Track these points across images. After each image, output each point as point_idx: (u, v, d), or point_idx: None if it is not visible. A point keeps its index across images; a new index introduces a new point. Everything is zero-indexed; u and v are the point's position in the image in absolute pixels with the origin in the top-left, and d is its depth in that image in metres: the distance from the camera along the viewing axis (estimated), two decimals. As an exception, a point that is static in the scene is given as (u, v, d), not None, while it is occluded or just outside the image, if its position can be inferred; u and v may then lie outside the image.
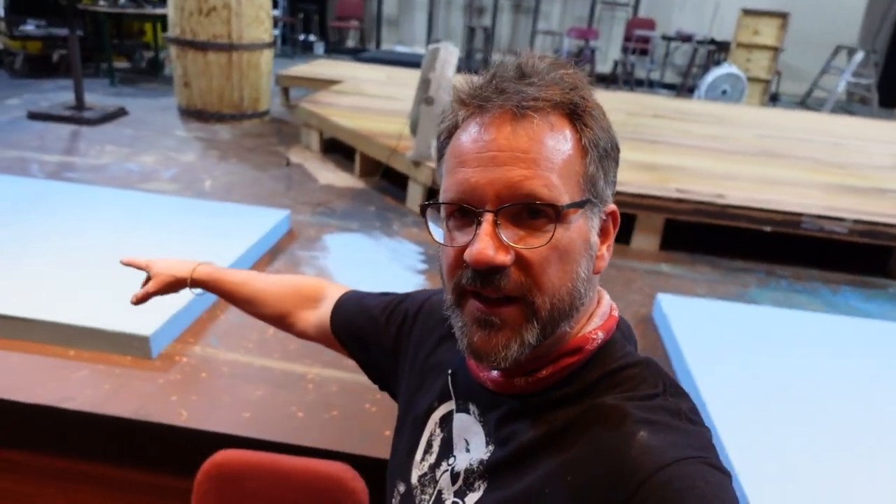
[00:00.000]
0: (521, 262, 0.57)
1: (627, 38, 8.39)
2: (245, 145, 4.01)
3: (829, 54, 8.19)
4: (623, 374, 0.61)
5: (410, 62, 7.37)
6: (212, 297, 1.98)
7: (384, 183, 3.42)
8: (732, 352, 1.88)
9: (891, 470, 1.44)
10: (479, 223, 0.57)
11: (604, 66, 8.65)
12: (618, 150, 0.64)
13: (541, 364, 0.63)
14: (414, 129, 3.07)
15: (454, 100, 0.62)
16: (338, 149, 3.88)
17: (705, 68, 7.77)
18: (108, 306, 1.83)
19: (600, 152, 0.60)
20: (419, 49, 9.43)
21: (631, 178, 3.01)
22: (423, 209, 0.64)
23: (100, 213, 2.49)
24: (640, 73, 8.40)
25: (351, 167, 3.63)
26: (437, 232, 0.64)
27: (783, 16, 7.47)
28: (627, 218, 2.90)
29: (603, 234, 0.64)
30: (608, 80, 8.22)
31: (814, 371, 1.81)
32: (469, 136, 0.59)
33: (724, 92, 6.43)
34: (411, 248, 2.70)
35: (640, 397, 0.59)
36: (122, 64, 6.29)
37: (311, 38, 8.72)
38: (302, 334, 1.01)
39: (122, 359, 1.76)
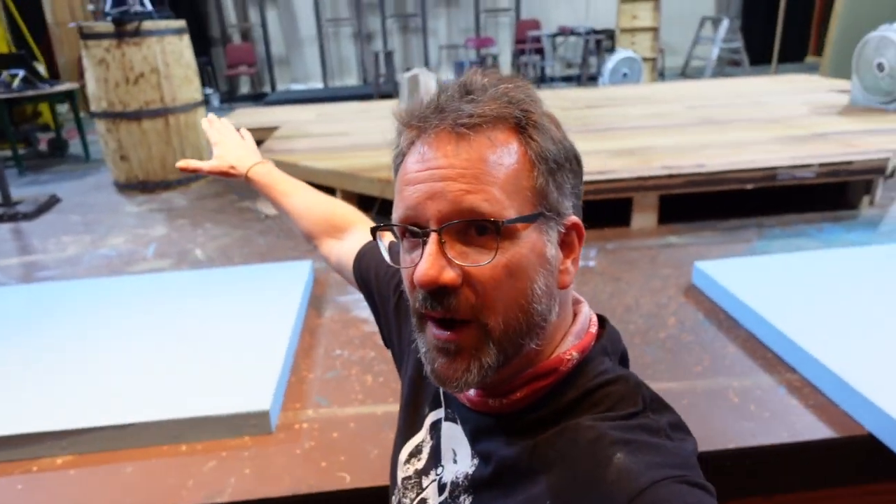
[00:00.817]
0: (470, 280, 0.57)
1: (519, 41, 8.78)
2: (209, 207, 3.85)
3: (697, 26, 8.98)
4: (601, 393, 0.60)
5: (314, 98, 7.36)
6: (286, 363, 1.92)
7: (373, 216, 3.41)
8: (794, 298, 2.06)
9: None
10: (425, 243, 0.57)
11: (505, 70, 8.99)
12: (577, 160, 0.63)
13: (514, 386, 0.62)
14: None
15: (399, 122, 0.63)
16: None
17: (595, 57, 8.28)
18: (207, 391, 1.73)
19: (550, 165, 0.59)
20: (316, 84, 9.40)
21: (618, 164, 3.18)
22: (373, 232, 0.65)
23: (131, 304, 2.32)
24: (537, 71, 8.80)
25: (331, 208, 3.58)
26: (387, 255, 0.65)
27: (655, -2, 8.12)
28: (624, 201, 3.08)
29: (566, 247, 0.62)
30: (511, 83, 8.54)
31: (873, 293, 2.02)
32: (413, 157, 0.59)
33: (625, 75, 6.88)
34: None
35: (618, 416, 0.58)
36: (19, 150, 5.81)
37: (208, 90, 8.44)
38: (325, 258, 1.12)
39: (241, 440, 1.67)
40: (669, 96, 5.23)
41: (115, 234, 3.45)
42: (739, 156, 3.22)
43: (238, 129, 1.27)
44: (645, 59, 7.81)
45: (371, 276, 0.95)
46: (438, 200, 0.56)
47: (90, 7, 7.88)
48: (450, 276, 0.56)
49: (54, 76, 7.33)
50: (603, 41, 8.16)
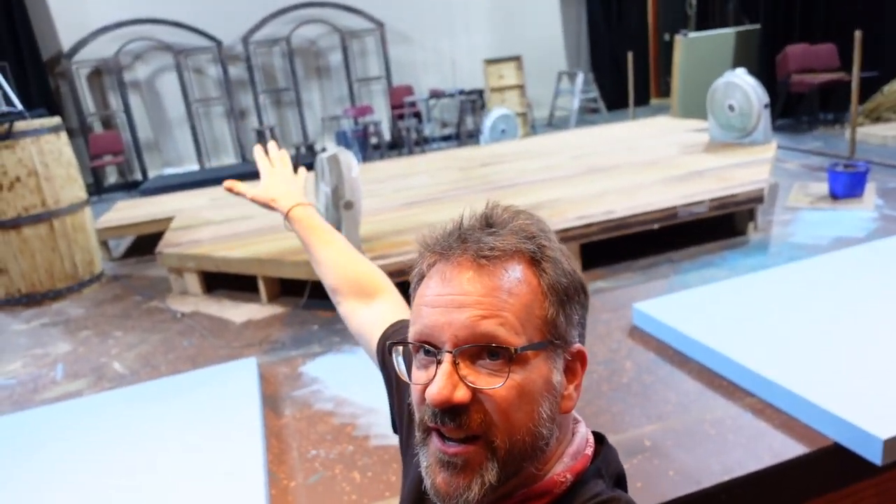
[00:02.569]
0: (481, 401, 0.60)
1: (395, 106, 9.03)
2: (111, 313, 3.55)
3: (556, 81, 9.74)
4: None
5: (193, 182, 7.09)
6: (264, 476, 1.80)
7: (303, 300, 3.31)
8: (732, 325, 2.26)
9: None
10: (440, 363, 0.60)
11: (386, 136, 9.17)
12: (584, 292, 0.68)
13: None
14: (333, 236, 3.05)
15: (422, 247, 0.68)
16: (220, 285, 3.64)
17: (470, 116, 8.70)
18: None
19: (561, 296, 0.64)
20: (192, 166, 9.05)
21: (534, 219, 3.35)
22: (390, 348, 0.70)
23: (61, 441, 2.06)
24: (417, 134, 9.07)
25: (251, 297, 3.44)
26: (404, 370, 0.69)
27: (517, 58, 8.73)
28: (548, 254, 3.23)
29: (570, 373, 0.66)
30: (398, 146, 8.73)
31: (799, 310, 2.26)
32: (433, 281, 0.64)
33: (503, 131, 7.28)
34: (391, 347, 2.68)
35: None
36: None
37: (72, 184, 7.83)
38: (343, 317, 1.09)
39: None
40: (551, 148, 5.59)
41: (7, 360, 3.07)
42: (637, 199, 3.51)
43: (297, 166, 1.23)
44: (517, 114, 8.32)
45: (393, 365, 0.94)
46: (456, 324, 0.60)
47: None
48: (461, 395, 0.59)
49: None
50: (476, 101, 8.61)
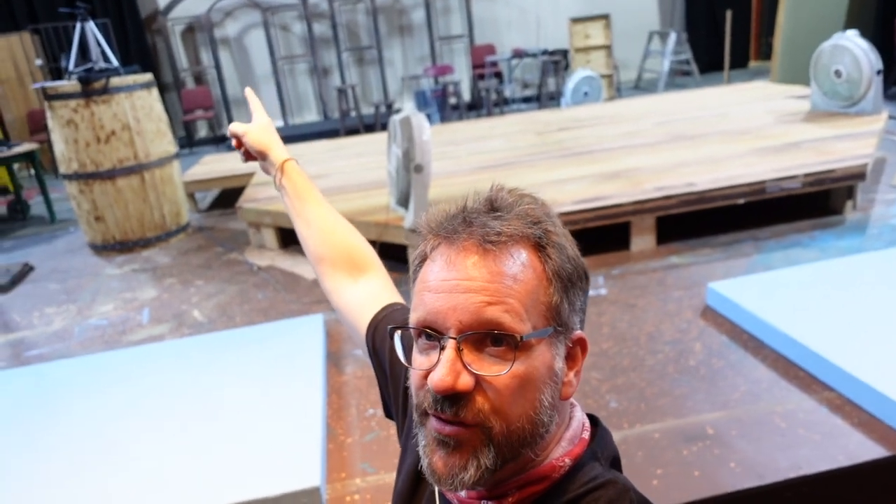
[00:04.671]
0: (483, 388, 0.59)
1: (476, 66, 8.88)
2: (195, 263, 3.74)
3: (646, 41, 9.27)
4: (589, 498, 0.62)
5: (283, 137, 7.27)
6: (322, 430, 1.86)
7: (371, 259, 3.36)
8: (814, 312, 2.11)
9: None
10: (443, 349, 0.59)
11: (465, 96, 9.07)
12: (586, 278, 0.66)
13: (506, 490, 0.64)
14: (403, 199, 3.06)
15: (425, 229, 0.65)
16: (296, 241, 3.74)
17: (552, 77, 8.44)
18: (246, 472, 1.66)
19: (565, 282, 0.62)
20: (276, 122, 9.29)
21: (609, 189, 3.23)
22: (392, 331, 0.67)
23: (140, 381, 2.22)
24: (498, 95, 8.92)
25: (323, 254, 3.53)
26: (402, 353, 0.67)
27: (605, 17, 8.35)
28: (620, 226, 3.12)
29: (570, 360, 0.65)
30: (477, 107, 8.63)
31: (890, 300, 2.08)
32: (437, 264, 0.62)
33: (586, 93, 7.02)
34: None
35: None
36: (-25, 217, 5.56)
37: (166, 137, 8.25)
38: (325, 290, 1.00)
39: (294, 521, 1.60)
40: (636, 113, 5.35)
41: (101, 301, 3.31)
42: (722, 171, 3.31)
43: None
44: (602, 76, 8.00)
45: (386, 350, 0.90)
46: (460, 310, 0.58)
47: (38, 63, 7.67)
48: (465, 383, 0.58)
49: (4, 135, 7.06)
50: (560, 61, 8.33)
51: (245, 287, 3.26)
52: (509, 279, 0.59)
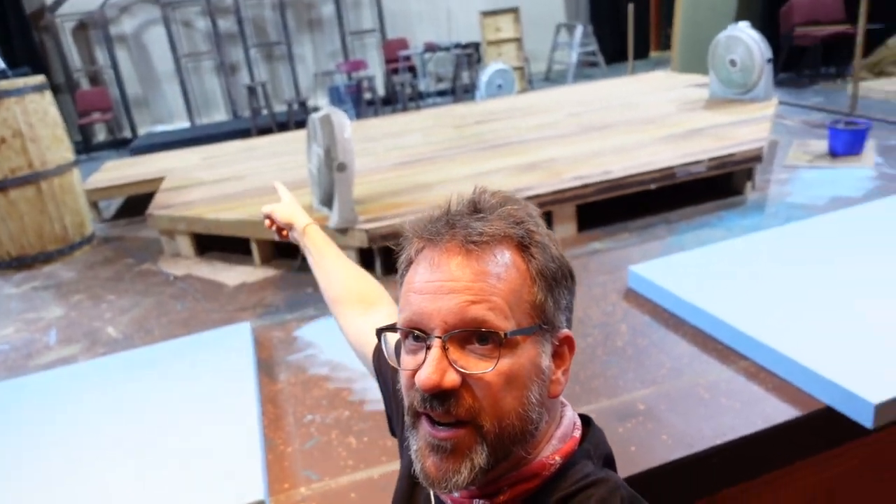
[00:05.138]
0: (470, 386, 0.60)
1: (389, 60, 8.83)
2: (104, 277, 3.52)
3: (554, 33, 9.52)
4: (581, 496, 0.63)
5: (184, 139, 6.98)
6: (261, 441, 1.81)
7: (297, 262, 3.28)
8: (726, 287, 2.24)
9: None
10: (429, 348, 0.60)
11: (380, 91, 9.00)
12: (572, 277, 0.68)
13: (498, 488, 0.65)
14: (326, 199, 3.00)
15: (410, 232, 0.67)
16: (213, 247, 3.61)
17: (466, 70, 8.53)
18: (186, 491, 1.59)
19: (549, 281, 0.64)
20: (182, 123, 8.90)
21: (529, 180, 3.30)
22: (379, 333, 0.69)
23: (58, 406, 2.06)
24: (412, 89, 8.91)
25: (244, 260, 3.41)
26: (393, 355, 0.69)
27: (514, 10, 8.51)
28: (544, 216, 3.19)
29: (558, 358, 0.66)
30: (392, 102, 8.58)
31: (793, 272, 2.25)
32: (422, 267, 0.64)
33: (500, 86, 7.14)
34: (386, 310, 2.67)
35: None
36: None
37: (61, 143, 7.70)
38: (342, 328, 1.13)
39: (237, 537, 1.55)
40: (548, 105, 5.49)
41: (1, 325, 3.06)
42: (634, 159, 3.46)
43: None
44: (514, 69, 8.16)
45: (389, 368, 0.94)
46: (444, 310, 0.60)
47: None
48: (451, 380, 0.59)
49: None
50: (472, 54, 8.42)
51: (162, 299, 3.11)
52: (493, 278, 0.60)
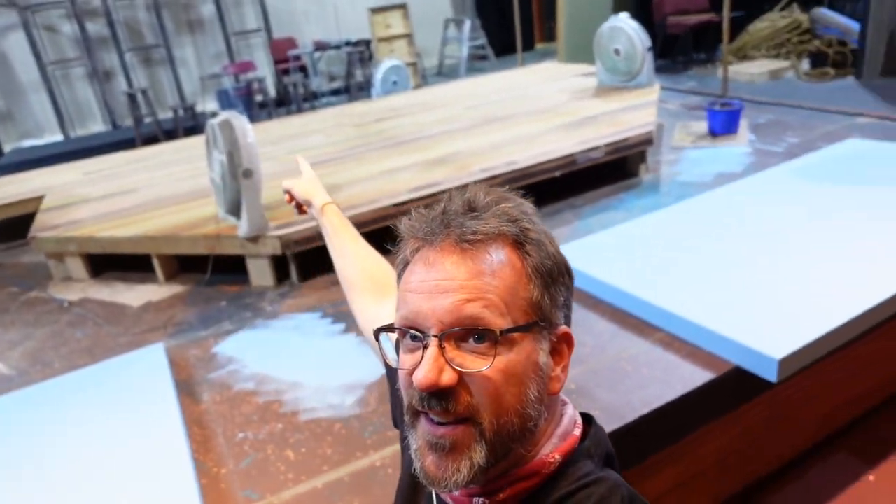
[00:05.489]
0: (468, 384, 0.60)
1: (279, 61, 8.58)
2: (-15, 309, 3.20)
3: (443, 28, 9.62)
4: (580, 495, 0.63)
5: (59, 154, 6.46)
6: (192, 466, 1.72)
7: (206, 276, 3.13)
8: (636, 265, 2.38)
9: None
10: (426, 347, 0.61)
11: (272, 92, 8.72)
12: (569, 274, 0.68)
13: (498, 486, 0.65)
14: (233, 207, 2.89)
15: (406, 232, 0.67)
16: (109, 267, 3.37)
17: (359, 68, 8.44)
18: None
19: (545, 279, 0.64)
20: (55, 136, 8.23)
21: (438, 175, 3.33)
22: (377, 333, 0.69)
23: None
24: (304, 89, 8.71)
25: (146, 278, 3.21)
26: (392, 355, 0.69)
27: (403, 6, 8.51)
28: (456, 208, 3.24)
29: (556, 355, 0.66)
30: (285, 104, 8.34)
31: (694, 245, 2.41)
32: (418, 266, 0.64)
33: (395, 82, 7.12)
34: (308, 318, 2.62)
35: None
36: None
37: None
38: (354, 313, 1.12)
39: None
40: (446, 99, 5.55)
41: None
42: (537, 148, 3.58)
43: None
44: (407, 65, 8.17)
45: None
46: (440, 309, 0.60)
47: None
48: (448, 379, 0.60)
49: None
50: (364, 52, 8.34)
51: (58, 327, 2.87)
52: (488, 276, 0.60)
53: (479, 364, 0.60)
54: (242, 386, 2.18)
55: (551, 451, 0.66)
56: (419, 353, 0.61)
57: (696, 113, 4.87)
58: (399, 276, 0.68)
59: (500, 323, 0.60)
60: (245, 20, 8.99)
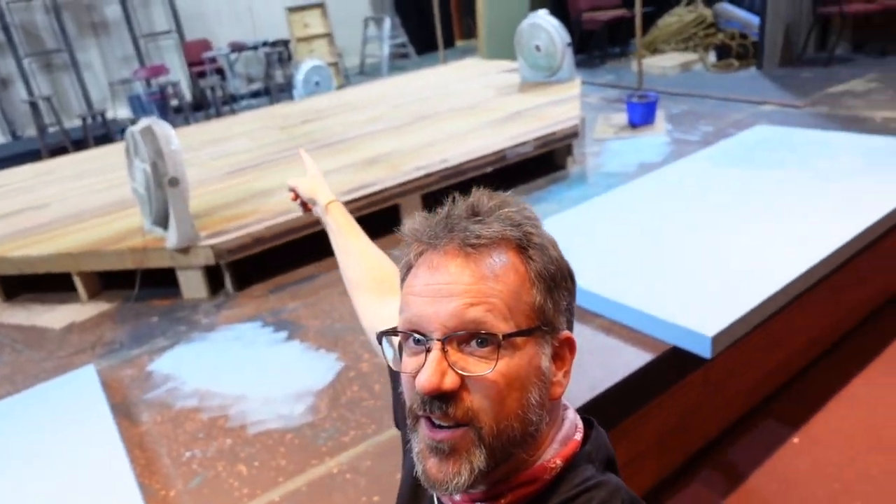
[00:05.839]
0: (469, 388, 0.60)
1: (193, 63, 8.27)
2: None
3: (362, 27, 9.55)
4: (581, 500, 0.63)
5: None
6: (138, 492, 1.65)
7: (134, 292, 2.99)
8: (571, 254, 2.45)
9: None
10: (429, 350, 0.61)
11: (188, 96, 8.39)
12: (572, 279, 0.69)
13: (499, 491, 0.65)
14: (160, 218, 2.77)
15: (410, 236, 0.67)
16: (23, 288, 3.16)
17: (279, 70, 8.26)
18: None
19: (548, 283, 0.64)
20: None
21: (370, 176, 3.32)
22: (380, 337, 0.69)
23: None
24: (220, 92, 8.43)
25: (67, 297, 3.04)
26: (392, 358, 0.70)
27: (321, 5, 8.39)
28: (392, 209, 3.24)
29: (558, 360, 0.66)
30: (203, 108, 8.05)
31: (625, 234, 2.51)
32: (421, 270, 0.64)
33: (318, 83, 7.01)
34: (248, 328, 2.55)
35: None
36: None
37: None
38: (358, 312, 1.09)
39: None
40: (371, 99, 5.52)
41: None
42: (467, 145, 3.62)
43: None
44: (329, 64, 8.06)
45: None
46: (444, 313, 0.60)
47: None
48: (450, 382, 0.60)
49: None
50: (283, 52, 8.16)
51: (-28, 356, 2.67)
52: (491, 280, 0.61)
53: (482, 368, 0.60)
54: (184, 403, 2.11)
55: (552, 456, 0.66)
56: (422, 356, 0.61)
57: (616, 105, 5.06)
58: (402, 280, 0.68)
59: (503, 327, 0.60)
60: (154, 22, 8.61)
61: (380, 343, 0.69)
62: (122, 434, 1.95)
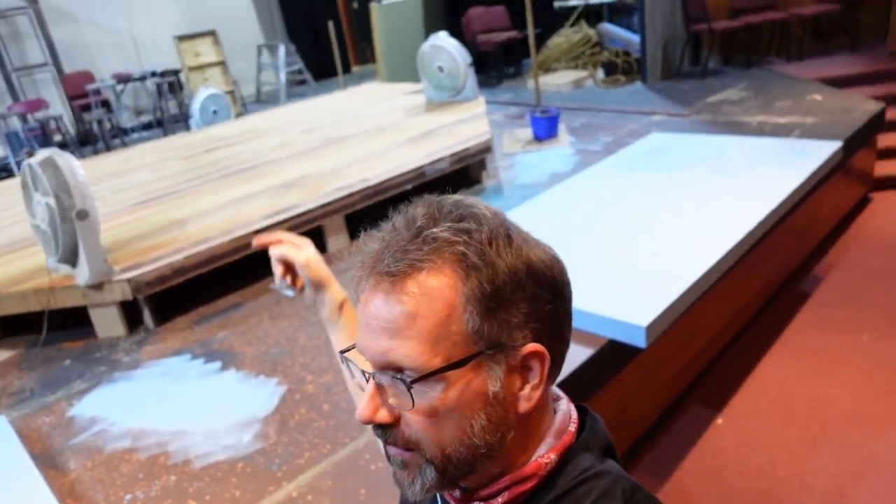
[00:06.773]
0: (406, 419, 0.60)
1: (75, 97, 7.78)
2: None
3: (256, 55, 9.39)
4: (581, 491, 0.62)
5: None
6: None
7: (42, 335, 2.75)
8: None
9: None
10: (369, 380, 0.61)
11: (72, 131, 7.85)
12: (536, 282, 0.62)
13: (495, 490, 0.65)
14: (68, 255, 2.58)
15: (356, 255, 0.64)
16: None
17: (172, 101, 7.93)
18: None
19: (487, 304, 0.58)
20: None
21: (289, 200, 3.26)
22: (341, 354, 0.69)
23: None
24: (108, 125, 7.98)
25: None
26: (360, 376, 0.67)
27: (212, 33, 8.17)
28: (315, 231, 3.19)
29: (522, 374, 0.62)
30: (90, 142, 7.56)
31: (554, 235, 2.62)
32: (361, 298, 0.62)
33: (216, 112, 6.80)
34: (176, 362, 2.42)
35: None
36: None
37: None
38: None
39: None
40: (276, 125, 5.44)
41: None
42: (385, 165, 3.65)
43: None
44: (225, 93, 7.84)
45: None
46: (371, 350, 0.60)
47: None
48: (383, 416, 0.60)
49: None
50: (173, 82, 7.85)
51: None
52: (412, 318, 0.57)
53: (406, 404, 0.59)
54: (116, 445, 1.97)
55: (546, 451, 0.64)
56: (370, 383, 0.61)
57: (518, 121, 5.27)
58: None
59: (425, 364, 0.57)
60: (27, 55, 8.04)
61: (342, 361, 0.68)
62: (49, 484, 1.79)
